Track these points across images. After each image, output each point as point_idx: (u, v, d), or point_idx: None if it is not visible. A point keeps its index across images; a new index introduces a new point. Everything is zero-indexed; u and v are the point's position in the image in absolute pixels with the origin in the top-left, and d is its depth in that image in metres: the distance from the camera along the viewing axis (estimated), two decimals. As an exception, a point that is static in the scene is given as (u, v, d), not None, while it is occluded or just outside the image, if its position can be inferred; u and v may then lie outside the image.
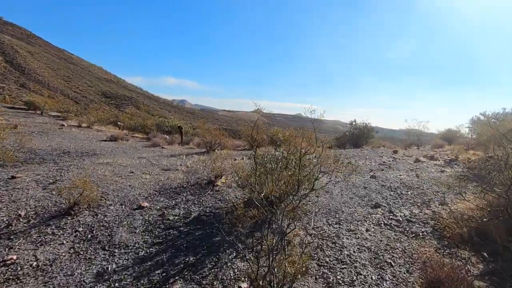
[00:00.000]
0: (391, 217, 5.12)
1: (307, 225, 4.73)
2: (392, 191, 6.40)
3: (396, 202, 5.76)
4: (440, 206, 5.49)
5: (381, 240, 4.35)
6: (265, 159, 4.79)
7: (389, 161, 9.66)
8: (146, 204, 5.31)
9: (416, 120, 14.58)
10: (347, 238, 4.39)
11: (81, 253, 3.91)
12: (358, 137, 12.51)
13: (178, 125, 13.93)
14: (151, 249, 4.01)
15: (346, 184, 6.76)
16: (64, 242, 4.13)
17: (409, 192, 6.27)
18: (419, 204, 5.66)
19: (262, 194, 3.72)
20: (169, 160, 8.97)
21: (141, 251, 3.96)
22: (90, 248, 4.02)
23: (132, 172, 7.28)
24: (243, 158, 9.46)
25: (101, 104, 67.15)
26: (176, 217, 4.94)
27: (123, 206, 5.28)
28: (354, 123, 13.22)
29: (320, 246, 4.14)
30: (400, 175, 7.68)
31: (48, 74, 73.32)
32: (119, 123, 20.37)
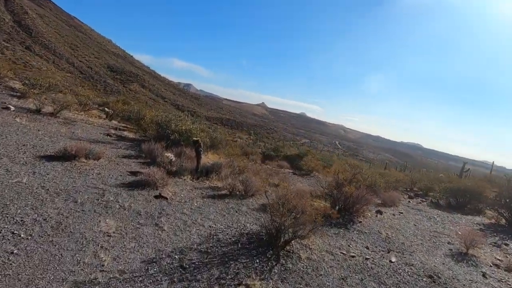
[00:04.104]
0: None
1: None
2: None
3: None
4: None
5: None
6: None
7: None
8: None
9: None
10: None
11: None
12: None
13: (194, 138, 7.01)
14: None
15: None
16: None
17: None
18: None
19: None
20: None
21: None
22: None
23: None
24: None
25: (105, 77, 59.03)
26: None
27: None
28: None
29: None
30: None
31: (56, 39, 64.86)
32: (106, 109, 13.19)
